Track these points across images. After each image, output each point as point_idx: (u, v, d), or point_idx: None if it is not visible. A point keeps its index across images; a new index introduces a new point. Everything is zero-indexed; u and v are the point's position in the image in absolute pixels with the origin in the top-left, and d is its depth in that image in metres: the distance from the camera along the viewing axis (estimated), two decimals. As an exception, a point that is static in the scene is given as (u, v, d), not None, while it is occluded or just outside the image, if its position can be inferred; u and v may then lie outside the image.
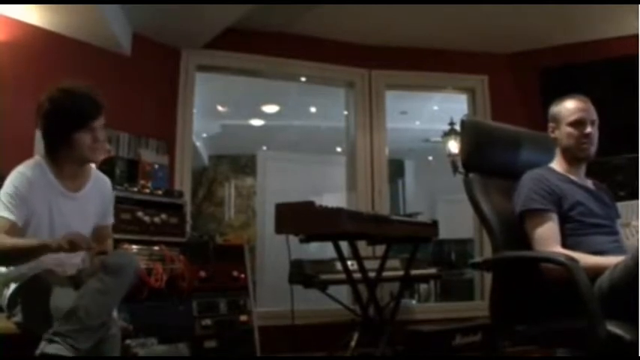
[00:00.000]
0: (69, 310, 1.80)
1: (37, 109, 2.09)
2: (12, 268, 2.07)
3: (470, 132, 2.20)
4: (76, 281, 2.04)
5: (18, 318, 2.01)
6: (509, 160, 2.22)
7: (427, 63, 4.82)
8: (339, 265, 3.31)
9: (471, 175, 2.12)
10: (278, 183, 6.18)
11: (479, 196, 2.06)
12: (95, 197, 2.24)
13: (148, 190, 3.28)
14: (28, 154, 2.23)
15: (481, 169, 2.14)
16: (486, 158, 2.17)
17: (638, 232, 2.75)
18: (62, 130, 2.06)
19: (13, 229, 1.98)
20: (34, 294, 1.95)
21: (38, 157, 2.14)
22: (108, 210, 2.34)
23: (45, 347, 1.76)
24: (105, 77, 3.41)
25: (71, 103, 2.06)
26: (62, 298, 1.88)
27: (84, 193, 2.18)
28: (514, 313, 1.91)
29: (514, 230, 2.01)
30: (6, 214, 1.98)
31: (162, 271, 2.98)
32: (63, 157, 2.11)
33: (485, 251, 4.57)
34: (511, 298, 1.94)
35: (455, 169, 5.25)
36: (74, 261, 2.14)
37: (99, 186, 2.27)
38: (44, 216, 2.06)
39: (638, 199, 3.04)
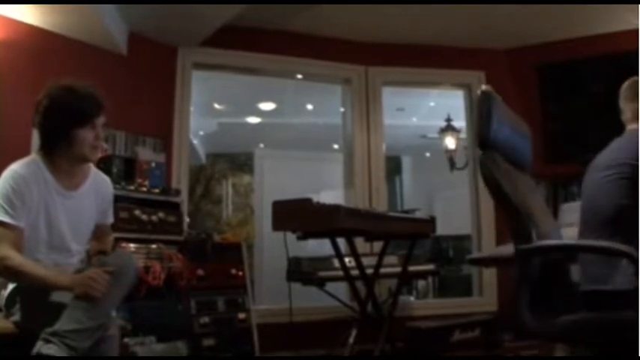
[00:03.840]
0: (67, 310, 1.80)
1: (35, 106, 2.04)
2: None
3: (490, 103, 1.80)
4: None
5: (16, 317, 1.99)
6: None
7: (424, 59, 4.81)
8: (336, 262, 3.31)
9: (487, 153, 1.78)
10: (275, 180, 6.17)
11: (499, 176, 1.73)
12: (93, 196, 2.19)
13: (145, 189, 3.29)
14: (25, 154, 2.17)
15: (500, 147, 1.82)
16: (507, 136, 1.86)
17: None
18: (63, 125, 2.01)
19: (17, 235, 1.91)
20: (33, 293, 1.92)
21: (34, 154, 2.09)
22: (108, 210, 2.30)
23: (41, 347, 1.75)
24: (102, 76, 3.35)
25: (74, 99, 2.03)
26: (62, 295, 1.87)
27: (81, 192, 2.13)
28: (533, 306, 1.67)
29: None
30: (6, 218, 1.90)
31: (160, 269, 2.99)
32: (60, 154, 2.05)
33: (483, 247, 4.58)
34: (534, 291, 1.68)
35: (452, 165, 5.25)
36: (72, 261, 2.11)
37: (97, 185, 2.22)
38: (40, 215, 2.00)
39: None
